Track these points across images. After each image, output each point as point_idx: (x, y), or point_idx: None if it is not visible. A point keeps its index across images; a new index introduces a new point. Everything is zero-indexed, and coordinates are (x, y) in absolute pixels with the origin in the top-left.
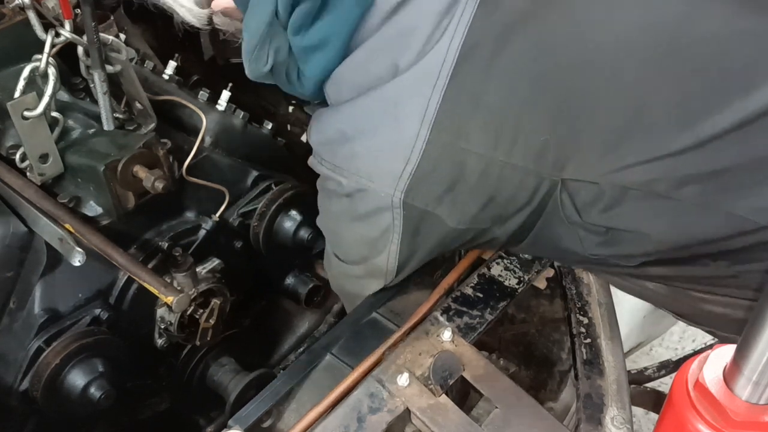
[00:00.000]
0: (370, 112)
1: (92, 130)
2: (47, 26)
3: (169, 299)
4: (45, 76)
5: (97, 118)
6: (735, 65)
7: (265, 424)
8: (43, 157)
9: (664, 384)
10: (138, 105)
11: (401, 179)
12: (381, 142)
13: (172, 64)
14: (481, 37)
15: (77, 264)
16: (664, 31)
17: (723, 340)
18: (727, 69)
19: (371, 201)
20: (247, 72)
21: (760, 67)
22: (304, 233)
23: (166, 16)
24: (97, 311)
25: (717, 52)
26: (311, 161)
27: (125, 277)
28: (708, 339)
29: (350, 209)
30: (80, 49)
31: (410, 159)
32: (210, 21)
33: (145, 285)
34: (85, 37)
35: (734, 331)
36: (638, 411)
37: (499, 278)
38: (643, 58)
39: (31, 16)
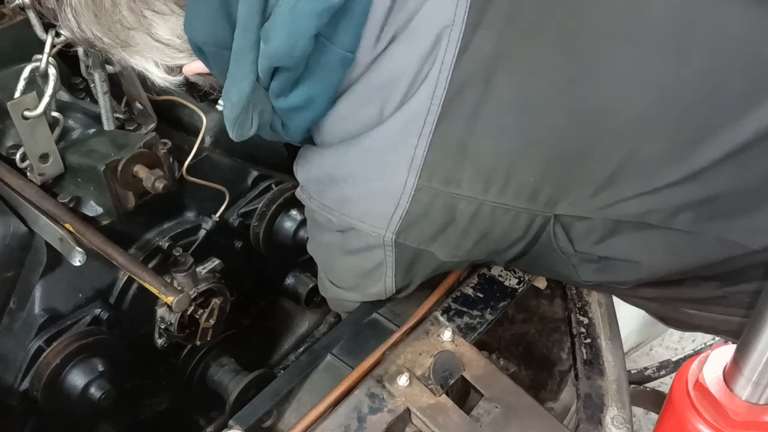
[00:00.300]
0: (357, 158)
1: (92, 130)
2: (47, 26)
3: (170, 299)
4: (45, 76)
5: (97, 118)
6: (722, 101)
7: (266, 424)
8: (44, 157)
9: (664, 384)
10: (138, 105)
11: (392, 221)
12: (370, 188)
13: None
14: (464, 84)
15: (77, 264)
16: (653, 76)
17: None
18: (715, 105)
19: (363, 239)
20: (231, 137)
21: (745, 101)
22: (304, 233)
23: None
24: (98, 311)
25: (703, 93)
26: (299, 194)
27: (125, 277)
28: (708, 339)
29: (342, 244)
30: (80, 49)
31: (400, 203)
32: (185, 81)
33: (146, 285)
34: None
35: (728, 337)
36: (638, 411)
37: (500, 278)
38: (632, 103)
39: (31, 16)
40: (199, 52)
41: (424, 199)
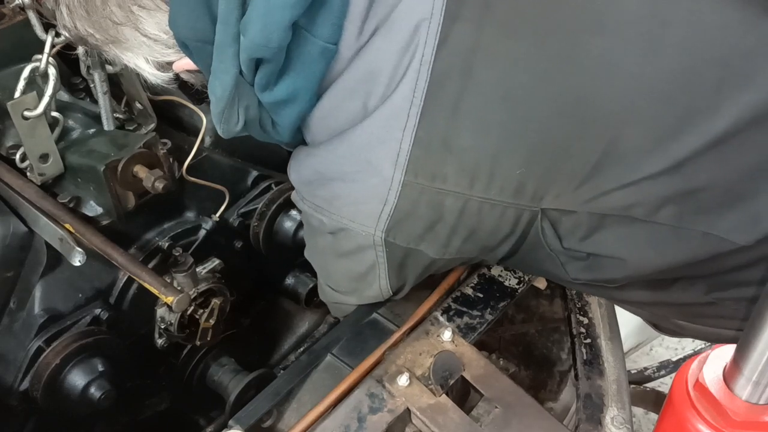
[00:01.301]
0: (345, 155)
1: (92, 130)
2: (47, 26)
3: (170, 299)
4: (45, 76)
5: (97, 118)
6: (699, 92)
7: (266, 424)
8: (43, 157)
9: (664, 384)
10: (138, 105)
11: (381, 219)
12: (358, 185)
13: None
14: (444, 78)
15: (77, 264)
16: (628, 67)
17: None
18: (692, 96)
19: (353, 239)
20: (220, 133)
21: (724, 90)
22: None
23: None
24: (97, 311)
25: (680, 84)
26: (294, 197)
27: (125, 277)
28: None
29: (334, 246)
30: (80, 49)
31: (387, 200)
32: (176, 78)
33: (146, 285)
34: None
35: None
36: (638, 411)
37: (499, 278)
38: (611, 94)
39: (31, 16)
40: (184, 47)
41: (411, 196)
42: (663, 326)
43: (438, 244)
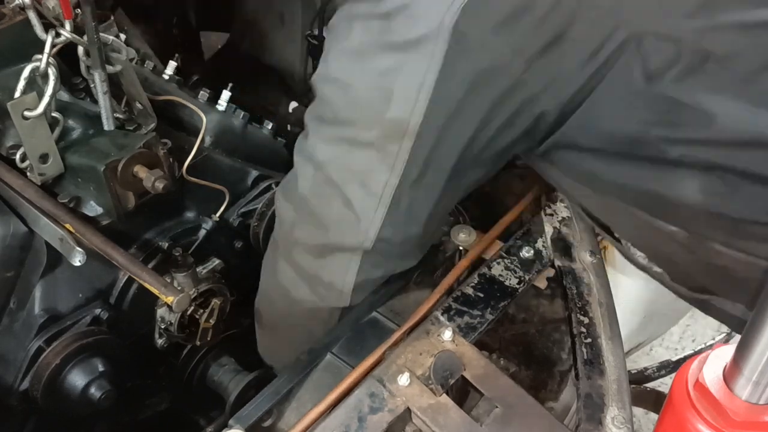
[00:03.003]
0: None
1: (92, 130)
2: (47, 26)
3: (170, 299)
4: (45, 76)
5: (97, 118)
6: None
7: (266, 424)
8: (43, 157)
9: (664, 384)
10: (138, 105)
11: None
12: None
13: (172, 64)
14: None
15: (77, 264)
16: None
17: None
18: None
19: (412, 25)
20: None
21: None
22: None
23: (166, 17)
24: (98, 311)
25: None
26: None
27: (125, 277)
28: (708, 339)
29: (381, 36)
30: (80, 49)
31: None
32: None
33: (146, 285)
34: (85, 37)
35: (736, 297)
36: (638, 411)
37: (500, 278)
38: None
39: (32, 16)
40: None
41: None
42: (695, 259)
43: (513, 41)
